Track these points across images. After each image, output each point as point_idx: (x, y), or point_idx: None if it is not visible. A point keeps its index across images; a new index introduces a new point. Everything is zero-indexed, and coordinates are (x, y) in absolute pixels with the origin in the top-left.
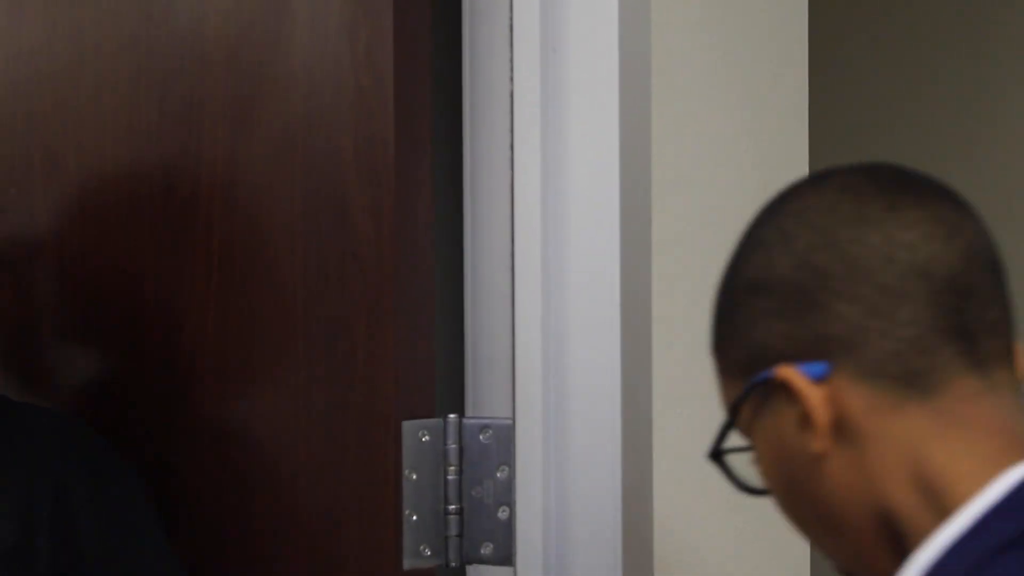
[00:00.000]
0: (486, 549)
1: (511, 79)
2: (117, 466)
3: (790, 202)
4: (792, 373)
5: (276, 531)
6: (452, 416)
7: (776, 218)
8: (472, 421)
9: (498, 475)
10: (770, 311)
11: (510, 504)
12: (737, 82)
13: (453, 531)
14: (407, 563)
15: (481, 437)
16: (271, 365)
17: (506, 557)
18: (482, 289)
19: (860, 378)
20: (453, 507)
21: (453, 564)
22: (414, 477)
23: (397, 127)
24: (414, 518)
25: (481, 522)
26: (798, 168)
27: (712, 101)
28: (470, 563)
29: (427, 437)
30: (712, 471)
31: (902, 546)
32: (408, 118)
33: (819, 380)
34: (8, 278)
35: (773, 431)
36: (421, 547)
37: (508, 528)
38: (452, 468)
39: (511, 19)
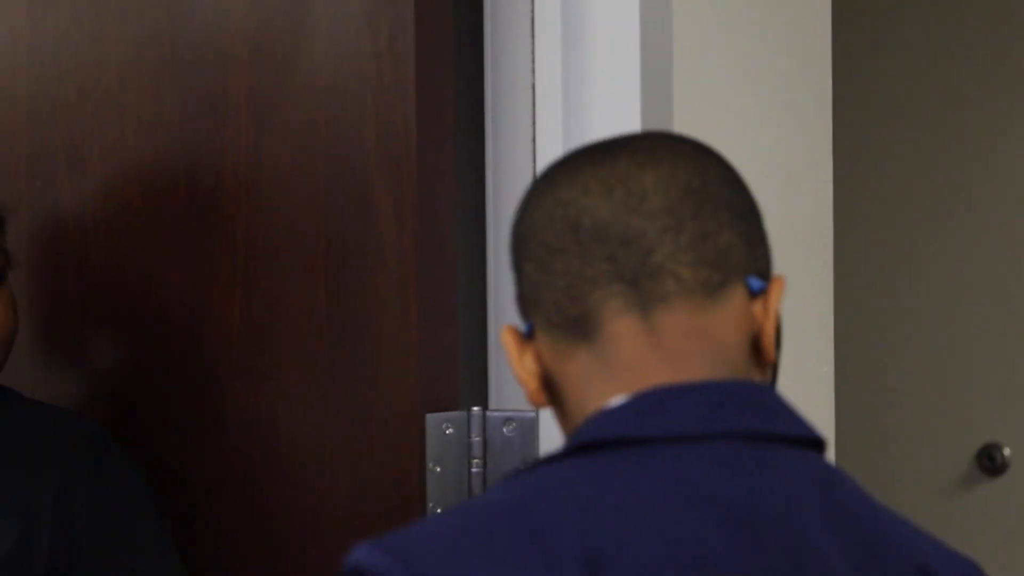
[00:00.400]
0: None
1: (533, 71)
2: (121, 466)
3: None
4: (507, 336)
5: (301, 525)
6: (476, 409)
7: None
8: (496, 414)
9: (522, 468)
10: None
11: None
12: (759, 71)
13: None
14: None
15: (505, 430)
16: (295, 358)
17: None
18: (505, 281)
19: (544, 331)
20: None
21: None
22: (438, 470)
23: (419, 119)
24: (438, 511)
25: None
26: (821, 158)
27: (734, 91)
28: None
29: (451, 430)
30: None
31: None
32: (430, 110)
33: (528, 339)
34: (31, 271)
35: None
36: None
37: None
38: (476, 461)
39: (532, 10)
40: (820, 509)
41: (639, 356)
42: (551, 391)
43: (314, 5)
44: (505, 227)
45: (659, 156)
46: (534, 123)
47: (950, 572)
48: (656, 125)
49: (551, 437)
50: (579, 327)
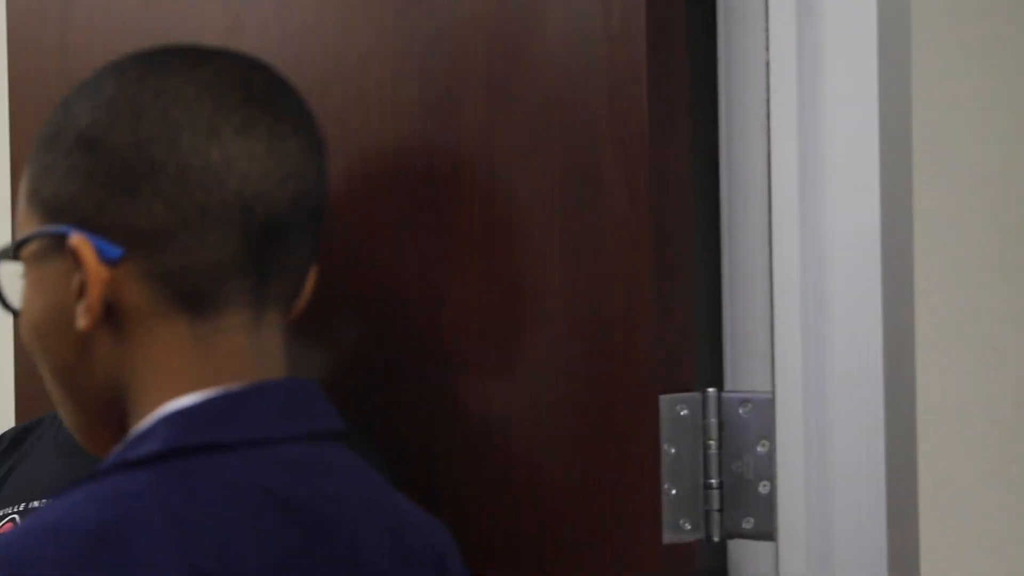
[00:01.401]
0: (747, 523)
1: (766, 47)
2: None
3: (156, 75)
4: (85, 247)
5: (535, 506)
6: (711, 390)
7: (134, 86)
8: (731, 395)
9: (758, 449)
10: (93, 174)
11: (771, 478)
12: (998, 43)
13: (714, 505)
14: (667, 537)
15: (740, 411)
16: (531, 340)
17: (768, 532)
18: (739, 260)
19: (147, 277)
20: (713, 481)
21: (714, 539)
22: (672, 451)
23: (651, 99)
24: (673, 492)
25: (742, 496)
26: None
27: (972, 64)
28: (731, 537)
29: (685, 411)
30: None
31: (124, 433)
32: (663, 90)
33: (109, 262)
34: None
35: (50, 281)
36: (681, 521)
37: (769, 503)
38: (711, 442)
39: None
40: (363, 505)
41: (240, 351)
42: (108, 343)
43: None
44: (739, 206)
45: (316, 138)
46: (768, 102)
47: (447, 544)
48: (895, 101)
49: (787, 419)
50: (196, 301)
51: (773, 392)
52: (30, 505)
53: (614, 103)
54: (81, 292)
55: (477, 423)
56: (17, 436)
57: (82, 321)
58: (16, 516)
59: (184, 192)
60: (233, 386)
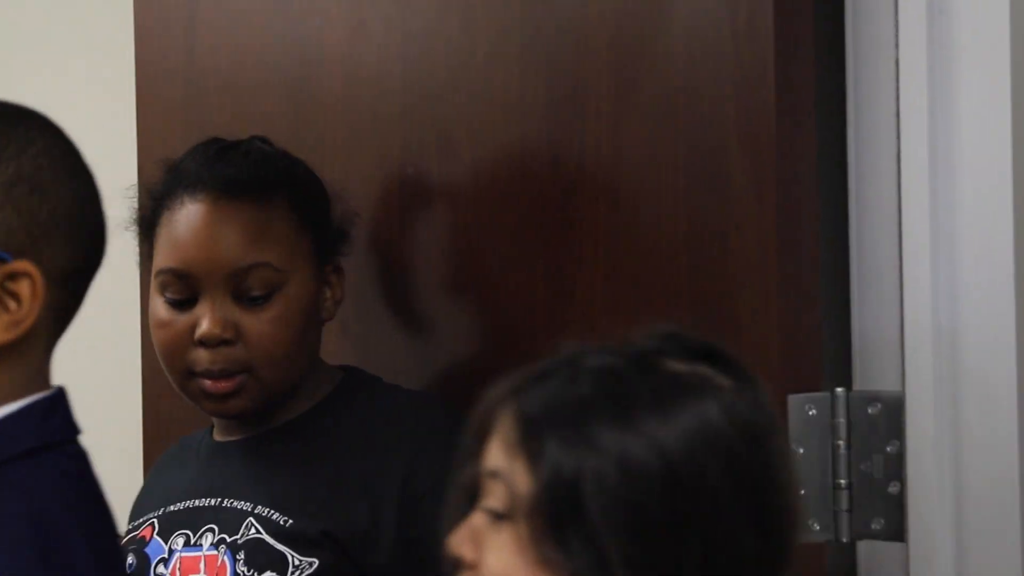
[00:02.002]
0: (877, 524)
1: (896, 44)
2: None
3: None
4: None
5: None
6: (839, 390)
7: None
8: (860, 394)
9: (888, 449)
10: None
11: (901, 479)
12: None
13: (842, 506)
14: None
15: (869, 411)
16: None
17: (898, 533)
18: (868, 259)
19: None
20: (842, 482)
21: (843, 539)
22: (801, 451)
23: (778, 97)
24: (801, 492)
25: (871, 497)
26: None
27: None
28: (860, 539)
29: (813, 411)
30: None
31: None
32: (790, 88)
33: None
34: (402, 254)
35: None
36: (810, 521)
37: (899, 504)
38: (840, 442)
39: None
40: None
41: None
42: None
43: None
44: (868, 205)
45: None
46: (897, 99)
47: None
48: None
49: (918, 418)
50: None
51: (903, 391)
52: (168, 509)
53: (740, 101)
54: None
55: None
56: (174, 451)
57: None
58: (155, 520)
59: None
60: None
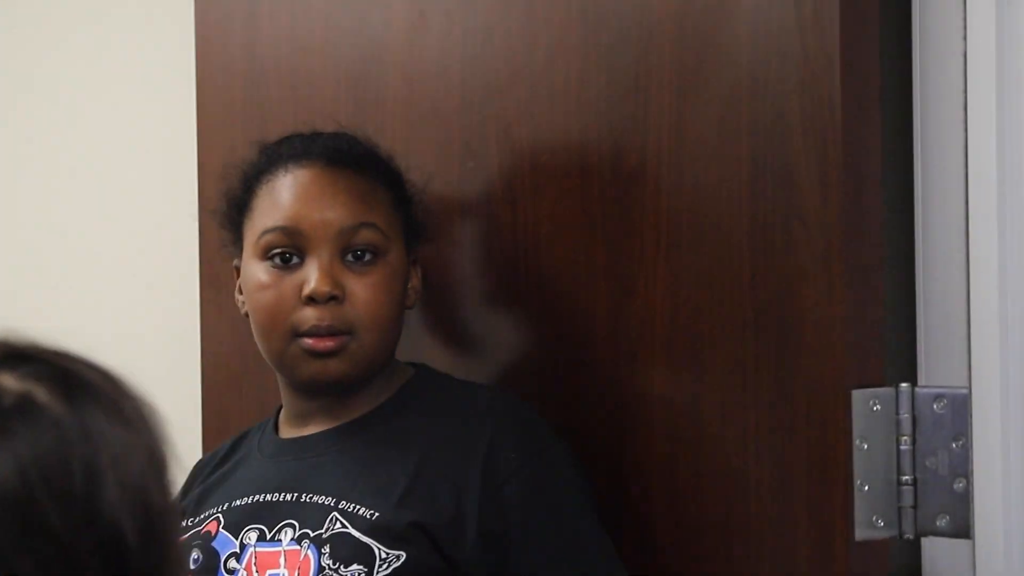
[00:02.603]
0: (942, 521)
1: (964, 36)
2: (546, 440)
3: None
4: None
5: (725, 503)
6: (904, 385)
7: None
8: (925, 390)
9: (953, 446)
10: None
11: (967, 475)
12: None
13: (907, 502)
14: (859, 534)
15: (935, 406)
16: (719, 331)
17: (963, 529)
18: (934, 252)
19: None
20: (907, 478)
21: (908, 536)
22: (865, 447)
23: (844, 89)
24: (866, 488)
25: (936, 494)
26: None
27: None
28: (925, 535)
29: (878, 406)
30: None
31: None
32: (856, 80)
33: None
34: (462, 248)
35: None
36: (874, 518)
37: (965, 500)
38: (905, 438)
39: None
40: None
41: None
42: None
43: None
44: (935, 198)
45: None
46: (965, 91)
47: None
48: None
49: (984, 415)
50: None
51: (969, 387)
52: (233, 504)
53: (806, 93)
54: None
55: (663, 418)
56: (233, 445)
57: None
58: (220, 515)
59: None
60: None
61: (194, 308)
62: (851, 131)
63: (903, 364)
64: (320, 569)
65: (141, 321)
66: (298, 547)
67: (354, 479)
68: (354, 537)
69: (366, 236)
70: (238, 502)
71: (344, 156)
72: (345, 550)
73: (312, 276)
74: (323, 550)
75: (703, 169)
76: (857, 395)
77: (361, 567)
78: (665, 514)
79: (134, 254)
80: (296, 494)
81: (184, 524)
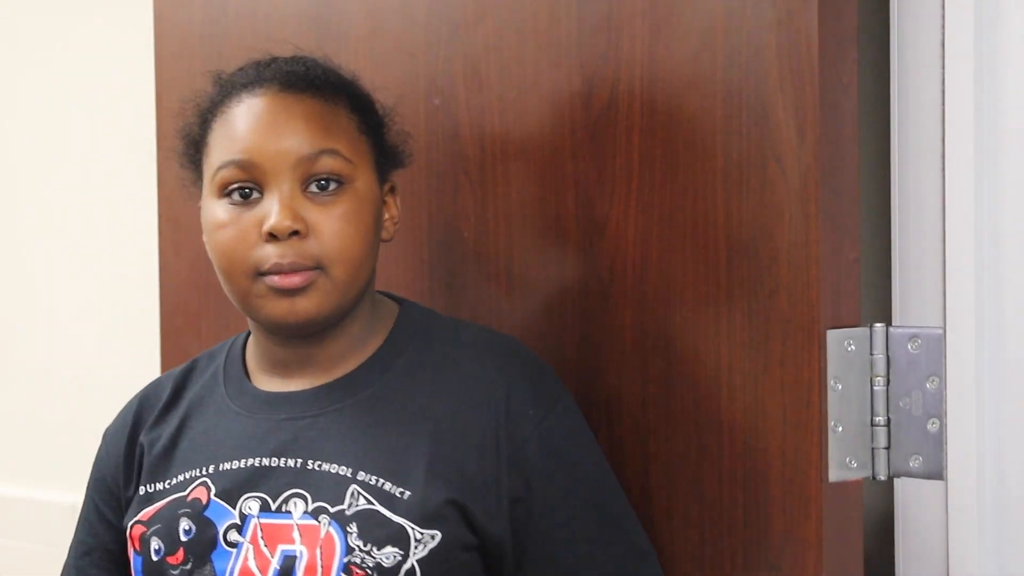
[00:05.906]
0: (915, 462)
1: None
2: (556, 389)
3: None
4: None
5: (698, 441)
6: (879, 325)
7: None
8: (900, 330)
9: (927, 386)
10: None
11: (940, 416)
12: None
13: (880, 443)
14: (833, 475)
15: (909, 347)
16: (692, 270)
17: (936, 471)
18: (909, 192)
19: None
20: (880, 419)
21: (881, 477)
22: (839, 387)
23: (821, 25)
24: (839, 429)
25: (910, 434)
26: None
27: None
28: (898, 476)
29: (852, 346)
30: None
31: None
32: (832, 17)
33: None
34: (429, 187)
35: None
36: (847, 459)
37: (938, 441)
38: (879, 379)
39: None
40: None
41: None
42: None
43: None
44: (911, 136)
45: None
46: (943, 27)
47: None
48: None
49: (959, 355)
50: None
51: (944, 327)
52: (221, 467)
53: (782, 30)
54: None
55: (636, 355)
56: (176, 386)
57: None
58: (208, 480)
59: None
60: None
61: (153, 248)
62: (828, 68)
63: (877, 304)
64: (349, 550)
65: (100, 262)
66: (315, 522)
67: (365, 446)
68: (385, 516)
69: (328, 164)
70: (227, 465)
71: (300, 79)
72: (376, 530)
73: (272, 211)
74: (348, 528)
75: (676, 107)
76: (832, 335)
77: (396, 550)
78: (636, 453)
79: (94, 195)
80: (299, 460)
81: (148, 487)
